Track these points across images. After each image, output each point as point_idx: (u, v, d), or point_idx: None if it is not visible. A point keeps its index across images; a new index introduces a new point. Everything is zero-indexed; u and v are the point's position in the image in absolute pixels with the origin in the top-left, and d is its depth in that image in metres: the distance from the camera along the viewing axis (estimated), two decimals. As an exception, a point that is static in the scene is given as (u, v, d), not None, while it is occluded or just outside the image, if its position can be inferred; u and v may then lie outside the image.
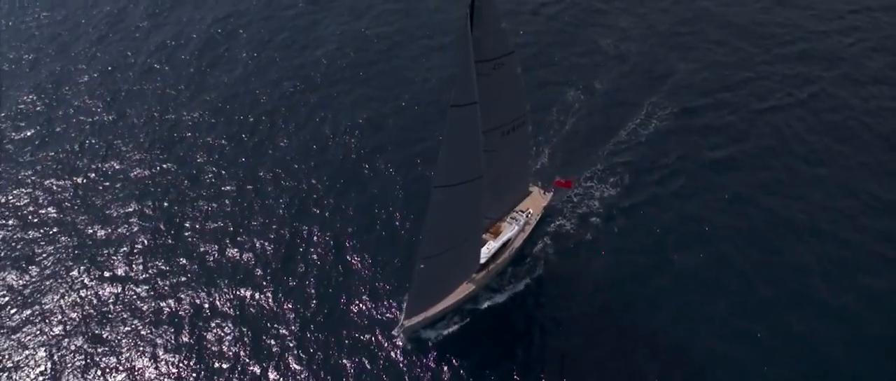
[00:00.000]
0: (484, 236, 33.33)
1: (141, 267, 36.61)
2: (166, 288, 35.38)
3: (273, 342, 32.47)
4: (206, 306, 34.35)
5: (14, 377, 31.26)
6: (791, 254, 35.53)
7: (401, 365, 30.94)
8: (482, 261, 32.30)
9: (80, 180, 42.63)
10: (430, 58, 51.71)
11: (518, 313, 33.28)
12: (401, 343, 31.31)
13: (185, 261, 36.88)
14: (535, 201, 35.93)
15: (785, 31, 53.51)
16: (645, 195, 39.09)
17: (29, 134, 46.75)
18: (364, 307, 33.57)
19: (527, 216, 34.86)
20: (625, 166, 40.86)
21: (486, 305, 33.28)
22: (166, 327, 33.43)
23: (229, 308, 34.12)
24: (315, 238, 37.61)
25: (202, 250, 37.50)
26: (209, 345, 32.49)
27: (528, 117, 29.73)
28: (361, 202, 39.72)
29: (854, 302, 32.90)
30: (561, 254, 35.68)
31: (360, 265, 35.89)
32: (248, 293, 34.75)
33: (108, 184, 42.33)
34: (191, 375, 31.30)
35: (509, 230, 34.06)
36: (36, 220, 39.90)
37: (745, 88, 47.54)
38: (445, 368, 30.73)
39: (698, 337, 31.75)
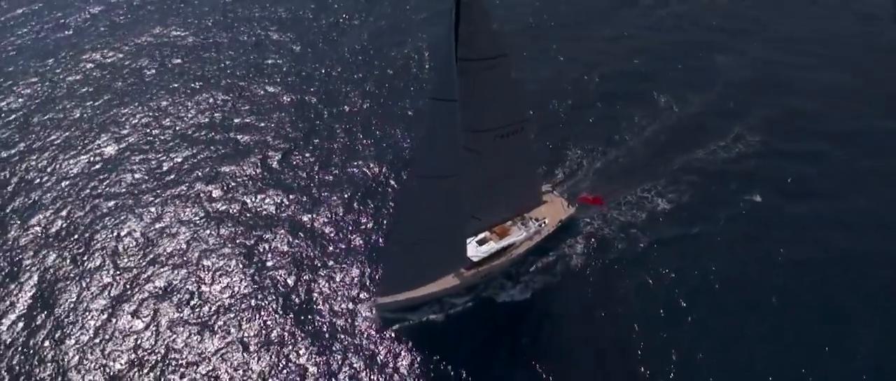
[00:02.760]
0: (486, 234, 32.74)
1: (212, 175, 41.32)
2: (231, 194, 39.82)
3: (307, 266, 34.76)
4: (256, 216, 38.10)
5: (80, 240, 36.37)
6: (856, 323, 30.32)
7: (400, 346, 30.92)
8: (476, 259, 31.77)
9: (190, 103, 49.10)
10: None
11: (527, 307, 32.31)
12: (377, 319, 31.61)
13: (251, 172, 41.17)
14: (555, 212, 34.58)
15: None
16: (701, 222, 35.87)
17: (152, 70, 54.37)
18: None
19: (539, 225, 33.44)
20: (689, 186, 37.95)
21: (497, 294, 32.63)
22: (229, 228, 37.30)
23: (280, 226, 37.18)
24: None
25: (268, 164, 41.85)
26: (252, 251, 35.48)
27: (529, 125, 28.45)
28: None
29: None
30: (589, 257, 34.04)
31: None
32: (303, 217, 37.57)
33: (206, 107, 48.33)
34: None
35: (515, 235, 33.15)
36: (149, 125, 46.73)
37: (857, 137, 41.57)
38: (442, 354, 30.44)
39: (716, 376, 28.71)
